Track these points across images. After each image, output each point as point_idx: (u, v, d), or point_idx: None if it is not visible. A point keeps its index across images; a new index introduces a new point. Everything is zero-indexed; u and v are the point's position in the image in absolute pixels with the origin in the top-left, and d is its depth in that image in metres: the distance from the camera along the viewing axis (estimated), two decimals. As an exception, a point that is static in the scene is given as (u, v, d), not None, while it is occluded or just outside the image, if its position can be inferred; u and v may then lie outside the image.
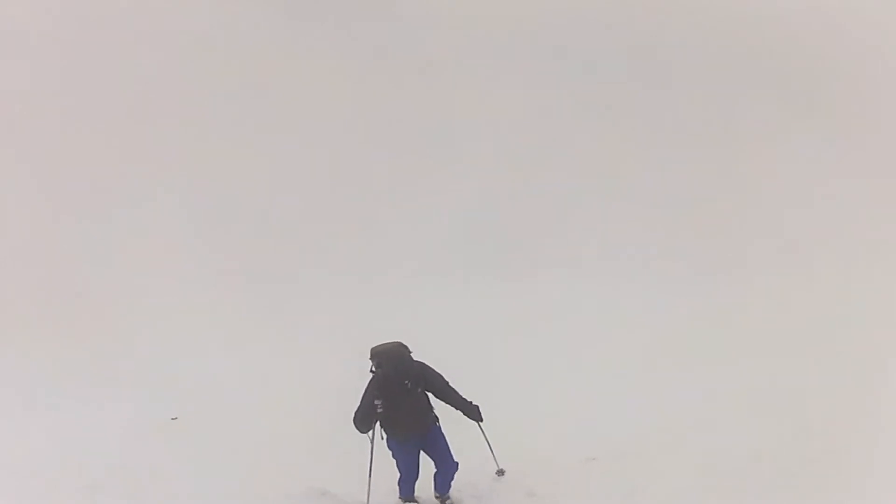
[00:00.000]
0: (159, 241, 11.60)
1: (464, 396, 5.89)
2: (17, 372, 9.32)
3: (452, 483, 6.05)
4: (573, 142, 13.06)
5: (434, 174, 12.58)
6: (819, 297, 9.64)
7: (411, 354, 5.77)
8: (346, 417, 5.76)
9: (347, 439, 5.88)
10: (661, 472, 6.28)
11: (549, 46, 14.06)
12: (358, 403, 5.74)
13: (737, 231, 11.59)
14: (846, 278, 10.09)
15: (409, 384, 5.69)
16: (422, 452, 5.94)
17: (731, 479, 6.08)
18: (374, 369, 5.74)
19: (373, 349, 5.77)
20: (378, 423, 5.79)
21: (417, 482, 6.08)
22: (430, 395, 5.88)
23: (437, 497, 6.11)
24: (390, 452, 5.89)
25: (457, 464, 5.95)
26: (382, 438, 5.84)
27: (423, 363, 5.83)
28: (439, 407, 5.92)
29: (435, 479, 6.05)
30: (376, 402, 5.64)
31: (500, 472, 6.27)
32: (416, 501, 6.13)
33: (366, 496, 5.97)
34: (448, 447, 5.90)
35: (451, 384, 5.87)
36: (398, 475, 6.03)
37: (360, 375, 5.81)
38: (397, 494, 6.13)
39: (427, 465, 6.01)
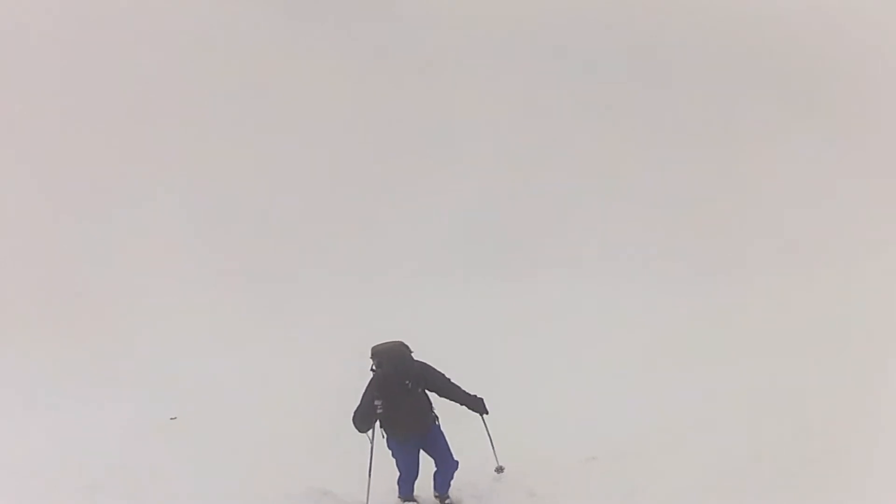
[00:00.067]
0: (159, 241, 11.60)
1: (466, 391, 5.89)
2: (17, 372, 9.33)
3: (452, 482, 6.05)
4: (573, 142, 13.06)
5: (434, 174, 12.58)
6: (819, 297, 9.63)
7: (412, 354, 5.77)
8: (346, 417, 5.76)
9: (347, 439, 5.88)
10: (661, 472, 6.28)
11: (549, 46, 14.06)
12: (358, 403, 5.74)
13: (737, 231, 11.58)
14: (846, 278, 10.08)
15: (410, 384, 5.69)
16: (422, 452, 5.94)
17: (731, 479, 6.07)
18: (374, 369, 5.74)
19: (373, 348, 5.78)
20: (378, 423, 5.79)
21: (417, 482, 6.08)
22: (431, 394, 5.88)
23: (436, 496, 6.11)
24: (390, 452, 5.89)
25: (457, 463, 5.95)
26: (383, 437, 5.84)
27: (424, 363, 5.83)
28: (439, 406, 5.93)
29: (434, 479, 6.05)
30: (376, 402, 5.64)
31: (500, 470, 6.26)
32: (415, 501, 6.13)
33: (365, 496, 5.97)
34: (448, 447, 5.90)
35: (452, 381, 5.87)
36: (398, 474, 6.03)
37: (360, 375, 5.81)
38: (396, 494, 6.13)
39: (426, 465, 6.01)
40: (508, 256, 11.41)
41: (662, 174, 12.53)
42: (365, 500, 5.99)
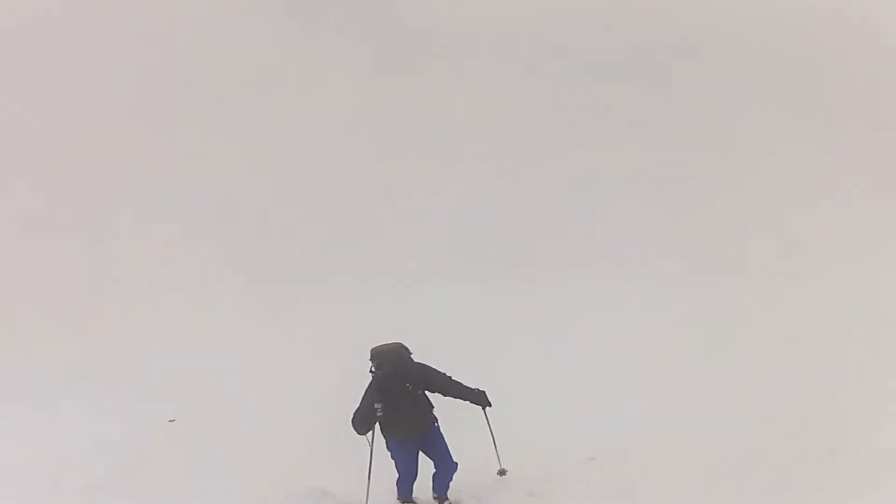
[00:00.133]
0: (159, 242, 11.61)
1: (467, 386, 5.89)
2: (17, 372, 9.32)
3: (451, 483, 6.05)
4: (573, 142, 13.07)
5: (434, 174, 12.58)
6: (819, 297, 9.64)
7: (412, 356, 5.76)
8: (345, 418, 5.77)
9: (347, 440, 5.87)
10: (661, 472, 6.28)
11: (549, 46, 14.06)
12: (357, 405, 5.74)
13: (737, 231, 11.59)
14: (846, 278, 10.09)
15: (411, 386, 5.68)
16: (421, 453, 5.94)
17: (731, 479, 6.08)
18: (373, 370, 5.73)
19: (373, 350, 5.77)
20: (377, 425, 5.78)
21: (416, 483, 6.08)
22: (432, 394, 5.87)
23: (435, 498, 6.10)
24: (389, 453, 5.89)
25: (456, 464, 5.95)
26: (383, 438, 5.84)
27: (424, 364, 5.83)
28: (440, 407, 5.92)
29: (433, 480, 6.05)
30: (376, 405, 5.63)
31: (502, 472, 6.25)
32: (414, 502, 6.13)
33: (365, 497, 5.97)
34: (447, 448, 5.90)
35: (453, 378, 5.87)
36: (397, 475, 6.03)
37: (360, 376, 5.80)
38: (396, 495, 6.13)
39: (426, 466, 6.01)
40: (508, 257, 11.42)
41: (662, 174, 12.53)
42: (364, 501, 5.99)
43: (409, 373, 5.69)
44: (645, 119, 13.32)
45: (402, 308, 9.94)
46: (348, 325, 9.72)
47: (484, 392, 5.94)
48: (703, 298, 9.97)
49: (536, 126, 13.28)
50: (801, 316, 9.21)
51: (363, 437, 5.79)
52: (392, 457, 5.90)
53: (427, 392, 5.86)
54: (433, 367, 5.86)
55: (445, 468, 5.93)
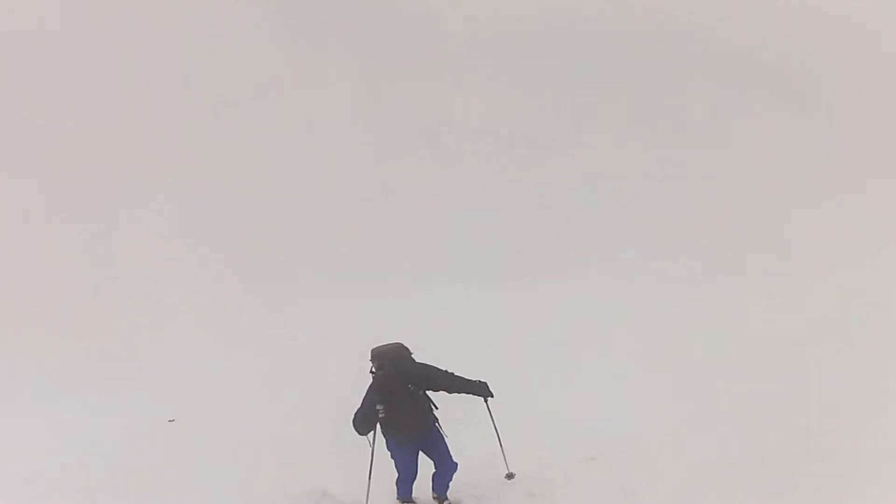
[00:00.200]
0: (159, 242, 11.60)
1: (468, 378, 5.89)
2: (17, 372, 9.32)
3: (451, 483, 6.05)
4: (573, 142, 13.06)
5: (434, 174, 12.57)
6: (819, 297, 9.65)
7: (412, 356, 5.75)
8: (346, 418, 5.76)
9: (347, 440, 5.88)
10: (661, 472, 6.28)
11: (548, 46, 14.06)
12: (358, 405, 5.73)
13: (736, 231, 11.60)
14: (846, 278, 10.09)
15: (412, 387, 5.67)
16: (420, 453, 5.94)
17: (731, 479, 6.08)
18: (374, 370, 5.72)
19: (373, 350, 5.75)
20: (378, 426, 5.78)
21: (415, 482, 6.08)
22: (436, 393, 5.86)
23: (434, 498, 6.11)
24: (389, 453, 5.89)
25: (456, 465, 5.94)
26: (383, 439, 5.84)
27: (425, 363, 5.82)
28: (441, 407, 5.92)
29: (433, 480, 6.05)
30: (378, 406, 5.61)
31: (510, 476, 6.20)
32: (413, 502, 6.13)
33: (365, 497, 5.97)
34: (447, 448, 5.90)
35: (455, 373, 5.87)
36: (396, 475, 6.03)
37: (360, 376, 5.80)
38: (395, 495, 6.13)
39: (425, 466, 6.01)
40: (508, 257, 11.42)
41: (662, 174, 12.54)
42: (364, 501, 5.98)
43: (410, 373, 5.68)
44: (645, 119, 13.32)
45: (402, 308, 9.94)
46: (348, 325, 9.72)
47: (486, 383, 5.94)
48: (703, 298, 9.98)
49: (536, 126, 13.28)
50: (801, 316, 9.22)
51: (364, 437, 5.78)
52: (392, 457, 5.90)
53: (430, 392, 5.85)
54: (434, 365, 5.86)
55: (445, 468, 5.93)
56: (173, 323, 10.22)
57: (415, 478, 6.03)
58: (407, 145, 13.10)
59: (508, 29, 14.22)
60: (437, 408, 5.90)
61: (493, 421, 6.05)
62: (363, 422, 5.70)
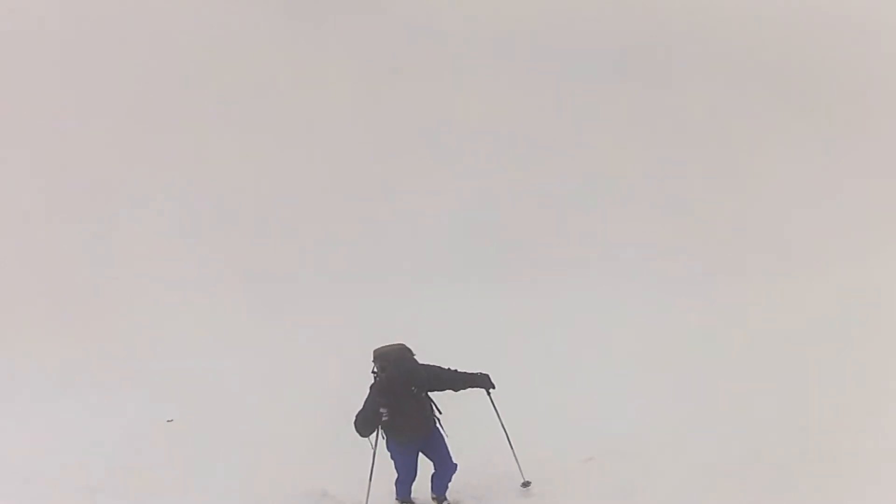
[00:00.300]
0: (159, 242, 11.58)
1: (470, 372, 5.90)
2: (16, 372, 9.31)
3: (450, 484, 6.04)
4: (573, 142, 13.04)
5: (434, 174, 12.56)
6: (819, 297, 9.64)
7: (415, 357, 5.73)
8: (346, 418, 5.76)
9: (347, 440, 5.88)
10: (661, 472, 6.29)
11: (548, 46, 14.05)
12: (360, 407, 5.71)
13: (737, 231, 11.57)
14: (846, 278, 10.08)
15: (416, 389, 5.66)
16: (420, 453, 5.94)
17: (731, 479, 6.08)
18: (376, 372, 5.70)
19: (376, 351, 5.73)
20: (379, 427, 5.77)
21: (414, 483, 6.08)
22: (442, 393, 5.86)
23: (433, 498, 6.11)
24: (389, 454, 5.88)
25: (455, 466, 5.94)
26: (383, 439, 5.83)
27: (428, 365, 5.81)
28: (442, 407, 5.92)
29: (432, 481, 6.05)
30: (381, 409, 5.60)
31: (526, 485, 6.19)
32: (412, 502, 6.13)
33: (365, 497, 5.96)
34: (448, 450, 5.90)
35: (458, 370, 5.87)
36: (395, 476, 6.03)
37: (361, 376, 5.80)
38: (394, 495, 6.13)
39: (425, 467, 6.01)
40: (508, 257, 11.40)
41: (662, 174, 12.52)
42: (364, 501, 5.98)
43: (413, 375, 5.67)
44: (645, 119, 13.31)
45: (402, 308, 9.93)
46: (348, 325, 9.72)
47: (487, 375, 5.95)
48: (703, 298, 9.96)
49: (536, 126, 13.27)
50: (801, 316, 9.20)
51: (365, 438, 5.77)
52: (392, 457, 5.90)
53: (435, 393, 5.84)
54: (437, 365, 5.84)
55: (445, 469, 5.93)
56: (173, 323, 10.21)
57: (414, 479, 6.04)
58: (407, 145, 13.09)
59: (508, 29, 14.21)
60: (441, 413, 5.89)
61: (501, 422, 6.06)
62: (365, 423, 5.69)
